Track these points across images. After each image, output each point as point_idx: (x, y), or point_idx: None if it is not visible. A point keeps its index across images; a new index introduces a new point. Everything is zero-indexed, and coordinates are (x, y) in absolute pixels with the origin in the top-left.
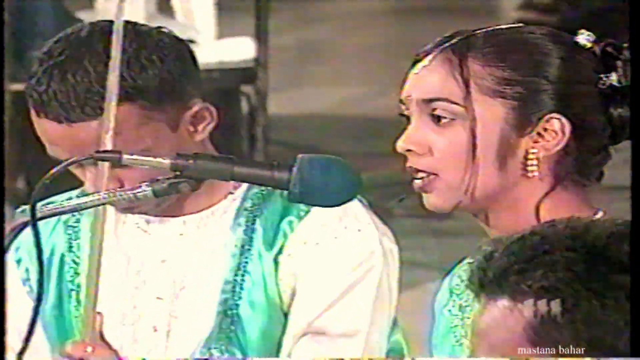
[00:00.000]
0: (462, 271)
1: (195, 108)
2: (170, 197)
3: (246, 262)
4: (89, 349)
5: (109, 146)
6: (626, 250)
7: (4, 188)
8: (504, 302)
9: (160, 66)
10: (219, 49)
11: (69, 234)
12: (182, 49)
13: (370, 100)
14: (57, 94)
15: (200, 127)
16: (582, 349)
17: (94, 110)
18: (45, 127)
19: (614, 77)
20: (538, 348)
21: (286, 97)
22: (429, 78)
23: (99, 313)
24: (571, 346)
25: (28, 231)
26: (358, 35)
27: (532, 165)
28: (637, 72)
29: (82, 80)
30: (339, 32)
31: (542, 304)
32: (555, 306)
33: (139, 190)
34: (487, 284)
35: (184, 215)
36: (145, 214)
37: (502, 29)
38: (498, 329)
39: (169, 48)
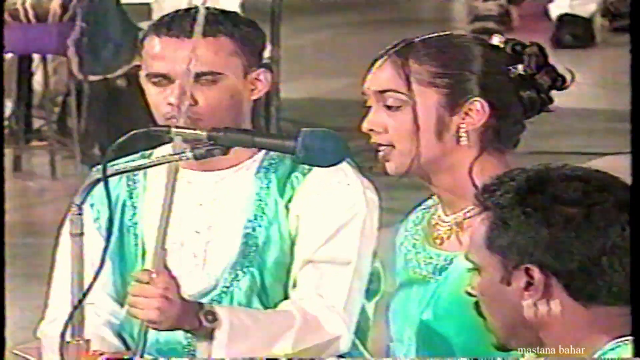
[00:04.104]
0: (415, 216)
1: (260, 71)
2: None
3: (264, 206)
4: (154, 275)
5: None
6: (566, 188)
7: (4, 184)
8: (477, 214)
9: (245, 18)
10: None
11: (129, 185)
12: (257, 27)
13: (356, 88)
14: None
15: (258, 87)
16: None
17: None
18: (170, 46)
19: (519, 68)
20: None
21: (294, 85)
22: (381, 75)
23: (164, 249)
24: (510, 251)
25: (99, 184)
26: (349, 39)
27: (462, 136)
28: (637, 71)
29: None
30: (334, 37)
31: (493, 216)
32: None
33: (183, 154)
34: (475, 199)
35: (218, 170)
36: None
37: (434, 37)
38: (472, 235)
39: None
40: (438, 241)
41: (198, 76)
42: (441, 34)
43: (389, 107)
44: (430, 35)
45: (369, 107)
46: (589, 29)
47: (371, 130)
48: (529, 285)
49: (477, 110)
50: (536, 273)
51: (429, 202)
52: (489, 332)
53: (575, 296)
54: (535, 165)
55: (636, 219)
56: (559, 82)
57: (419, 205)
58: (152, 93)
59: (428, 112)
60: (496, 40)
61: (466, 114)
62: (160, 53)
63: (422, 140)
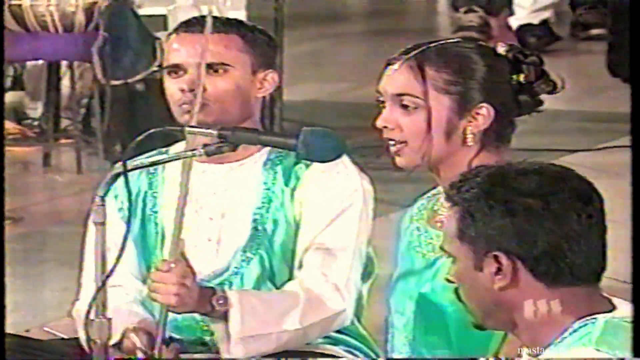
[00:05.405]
0: (420, 203)
1: (268, 71)
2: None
3: (271, 194)
4: (173, 265)
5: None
6: (524, 182)
7: (4, 188)
8: (448, 209)
9: (259, 28)
10: None
11: (149, 178)
12: (270, 36)
13: (352, 91)
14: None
15: (265, 86)
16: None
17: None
18: (187, 40)
19: (521, 77)
20: (462, 241)
21: (296, 89)
22: (399, 78)
23: (181, 240)
24: (479, 240)
25: (120, 178)
26: (346, 47)
27: (469, 138)
28: (637, 71)
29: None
30: (332, 45)
31: (462, 210)
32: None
33: (196, 151)
34: (445, 196)
35: (229, 162)
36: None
37: (448, 43)
38: (445, 228)
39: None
40: (439, 224)
41: (208, 66)
42: (451, 41)
43: (404, 107)
44: (442, 42)
45: (380, 102)
46: (547, 29)
47: (385, 127)
48: (498, 270)
49: (484, 115)
50: (504, 259)
51: (434, 191)
52: (468, 313)
53: (540, 279)
54: (498, 163)
55: (636, 216)
56: (551, 88)
57: (424, 194)
58: (169, 85)
59: (440, 115)
60: (501, 49)
61: (473, 117)
62: (177, 47)
63: (432, 141)
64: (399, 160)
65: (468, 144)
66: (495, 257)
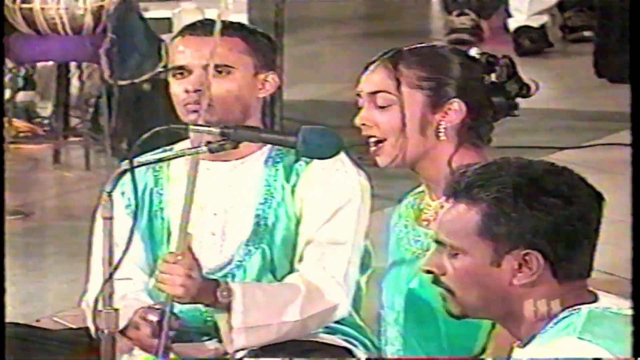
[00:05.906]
0: (407, 200)
1: (269, 73)
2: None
3: (273, 190)
4: (180, 257)
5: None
6: (554, 181)
7: (4, 185)
8: (463, 206)
9: (260, 31)
10: None
11: (155, 175)
12: (271, 39)
13: (349, 91)
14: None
15: (266, 87)
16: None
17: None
18: (192, 42)
19: (493, 76)
20: (482, 237)
21: (295, 89)
22: (373, 78)
23: (189, 234)
24: (506, 238)
25: (127, 175)
26: (344, 49)
27: (441, 132)
28: (637, 71)
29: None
30: (331, 47)
31: (490, 208)
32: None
33: (199, 148)
34: (458, 191)
35: (232, 160)
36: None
37: (421, 46)
38: (454, 223)
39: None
40: (425, 222)
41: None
42: (426, 44)
43: (379, 106)
44: (417, 45)
45: (359, 108)
46: (543, 34)
47: (363, 124)
48: (520, 267)
49: (455, 110)
50: (537, 258)
51: (420, 188)
52: (444, 301)
53: (557, 276)
54: (514, 160)
55: (636, 214)
56: (524, 91)
57: (411, 191)
58: (174, 86)
59: (414, 111)
60: (473, 52)
61: (446, 113)
62: (182, 49)
63: (408, 135)
64: (379, 160)
65: (440, 138)
66: (525, 255)
